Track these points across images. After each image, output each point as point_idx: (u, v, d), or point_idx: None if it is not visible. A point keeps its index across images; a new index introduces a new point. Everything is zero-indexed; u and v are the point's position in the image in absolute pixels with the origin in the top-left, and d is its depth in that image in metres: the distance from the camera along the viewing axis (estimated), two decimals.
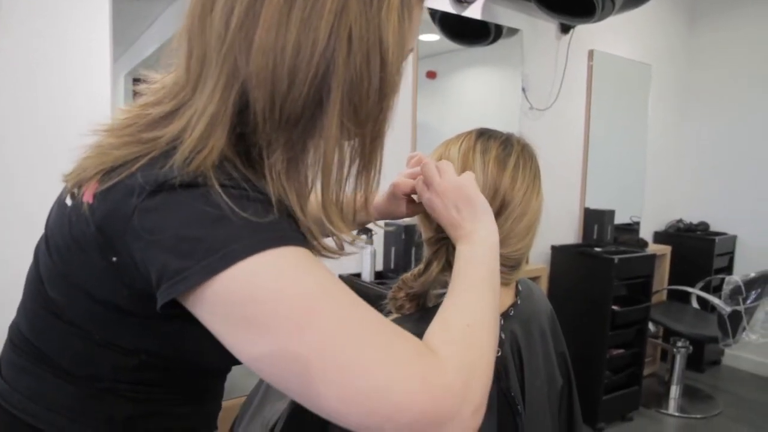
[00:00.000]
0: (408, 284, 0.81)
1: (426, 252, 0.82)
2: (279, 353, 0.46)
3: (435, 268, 0.79)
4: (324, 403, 0.46)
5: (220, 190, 0.49)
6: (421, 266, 0.81)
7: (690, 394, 3.20)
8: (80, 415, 0.60)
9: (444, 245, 0.79)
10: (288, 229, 0.52)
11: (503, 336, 0.79)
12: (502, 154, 0.79)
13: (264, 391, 1.06)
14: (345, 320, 0.48)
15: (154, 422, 0.64)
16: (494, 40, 2.75)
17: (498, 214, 0.77)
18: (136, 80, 1.96)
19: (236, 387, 2.19)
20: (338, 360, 0.46)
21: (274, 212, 0.52)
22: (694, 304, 3.26)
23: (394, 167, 2.81)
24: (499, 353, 0.78)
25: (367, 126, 0.58)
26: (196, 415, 0.70)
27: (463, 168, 0.78)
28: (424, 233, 0.83)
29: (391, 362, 0.46)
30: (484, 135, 0.81)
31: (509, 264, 0.80)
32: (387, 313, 0.83)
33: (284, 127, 0.53)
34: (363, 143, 0.59)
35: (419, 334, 0.73)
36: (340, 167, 0.57)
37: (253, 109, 0.53)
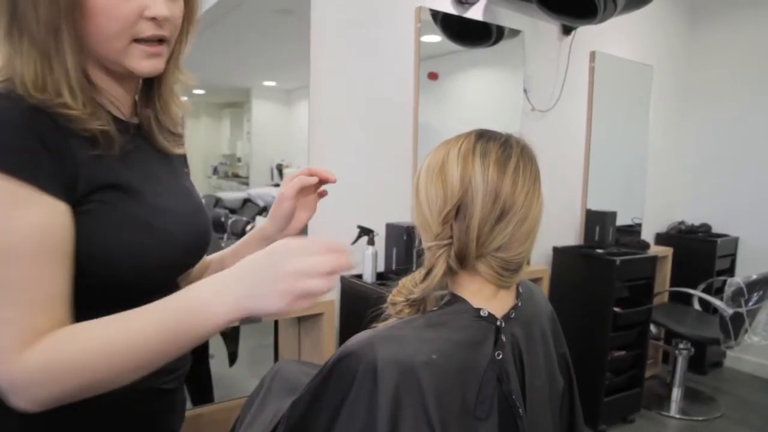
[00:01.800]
0: (408, 289, 0.81)
1: (427, 258, 0.81)
2: None
3: (436, 274, 0.78)
4: None
5: None
6: (422, 272, 0.81)
7: (692, 396, 3.20)
8: None
9: (446, 252, 0.79)
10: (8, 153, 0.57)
11: (504, 339, 0.79)
12: (502, 156, 0.78)
13: (265, 392, 1.06)
14: None
15: None
16: (496, 41, 2.75)
17: (499, 219, 0.77)
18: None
19: (237, 388, 2.19)
20: None
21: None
22: (696, 306, 3.25)
23: (397, 167, 2.81)
24: (500, 356, 0.78)
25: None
26: None
27: (463, 171, 0.78)
28: (425, 241, 0.83)
29: None
30: (483, 137, 0.81)
31: (510, 268, 0.80)
32: (386, 318, 0.83)
33: None
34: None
35: (426, 341, 0.74)
36: None
37: None
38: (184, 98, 0.83)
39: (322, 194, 0.96)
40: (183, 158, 0.88)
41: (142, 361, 0.61)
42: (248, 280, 0.60)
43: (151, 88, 0.78)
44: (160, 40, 0.68)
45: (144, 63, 0.68)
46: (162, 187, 0.75)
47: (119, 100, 0.74)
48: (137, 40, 0.66)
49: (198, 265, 0.91)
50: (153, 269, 0.71)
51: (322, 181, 0.92)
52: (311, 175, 0.90)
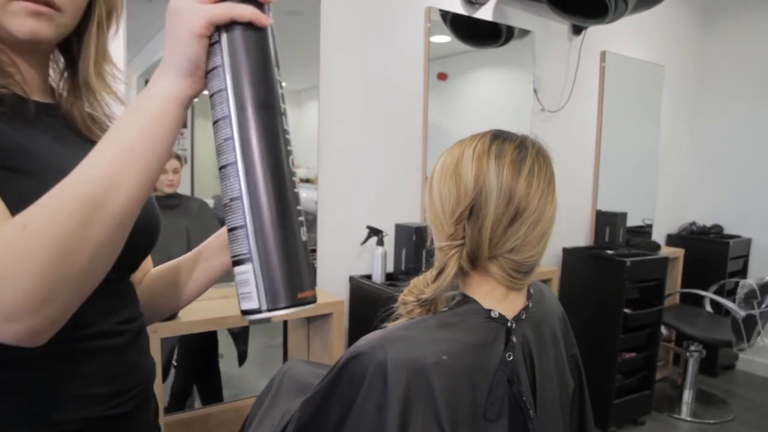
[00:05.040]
0: (419, 289, 0.81)
1: (438, 258, 0.81)
2: None
3: (448, 274, 0.78)
4: None
5: None
6: (434, 272, 0.80)
7: (703, 398, 3.17)
8: None
9: (458, 252, 0.78)
10: None
11: (514, 340, 0.79)
12: (517, 158, 0.78)
13: (274, 392, 1.07)
14: None
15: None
16: (506, 41, 2.74)
17: (513, 220, 0.76)
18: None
19: (247, 388, 2.20)
20: None
21: None
22: (708, 307, 3.23)
23: (406, 168, 2.81)
24: (511, 358, 0.77)
25: None
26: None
27: (478, 171, 0.78)
28: (437, 240, 0.83)
29: None
30: (498, 138, 0.81)
31: (522, 270, 0.80)
32: (396, 318, 0.83)
33: None
34: None
35: (436, 341, 0.74)
36: None
37: None
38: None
39: None
40: None
41: (108, 173, 0.50)
42: (166, 49, 0.55)
43: (74, 74, 0.73)
44: (46, 3, 0.63)
45: (26, 23, 0.62)
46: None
47: (24, 77, 0.68)
48: None
49: (162, 273, 0.86)
50: None
51: None
52: None
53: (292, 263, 0.54)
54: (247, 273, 0.53)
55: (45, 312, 0.48)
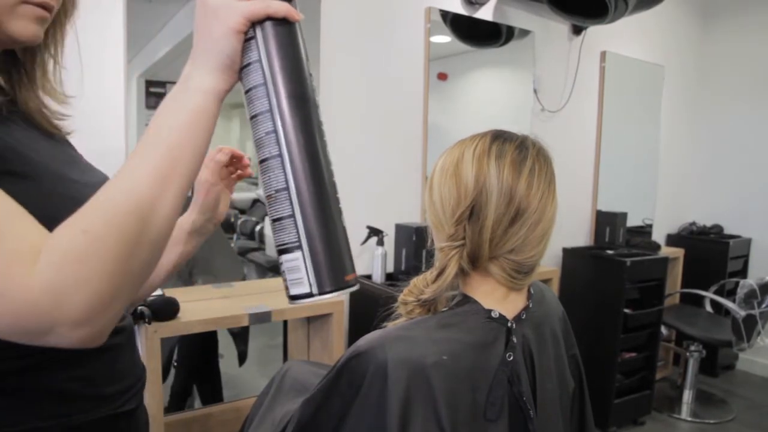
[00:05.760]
0: (419, 289, 0.81)
1: (439, 258, 0.81)
2: None
3: (448, 275, 0.78)
4: None
5: None
6: (434, 272, 0.80)
7: (703, 398, 3.17)
8: None
9: (458, 252, 0.78)
10: None
11: (515, 340, 0.79)
12: (517, 158, 0.78)
13: (274, 392, 1.07)
14: None
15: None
16: (506, 41, 2.74)
17: (513, 221, 0.76)
18: (150, 82, 1.98)
19: (246, 388, 2.20)
20: None
21: None
22: (708, 307, 3.23)
23: (406, 168, 2.81)
24: (511, 358, 0.77)
25: None
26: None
27: (478, 171, 0.78)
28: (437, 241, 0.83)
29: None
30: (499, 138, 0.80)
31: (523, 270, 0.80)
32: (396, 318, 0.83)
33: None
34: None
35: (436, 341, 0.74)
36: None
37: None
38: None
39: (242, 176, 0.91)
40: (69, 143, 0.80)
41: (161, 168, 0.51)
42: (199, 44, 0.55)
43: (17, 68, 0.72)
44: (46, 7, 0.63)
45: (30, 27, 0.62)
46: (60, 160, 0.69)
47: None
48: (26, 1, 0.61)
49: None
50: None
51: (234, 157, 0.88)
52: (220, 151, 0.87)
53: (338, 248, 0.56)
54: (297, 260, 0.55)
55: (113, 311, 0.49)
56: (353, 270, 0.58)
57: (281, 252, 0.56)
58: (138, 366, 0.76)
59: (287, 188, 0.55)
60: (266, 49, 0.55)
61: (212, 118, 0.55)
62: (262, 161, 0.56)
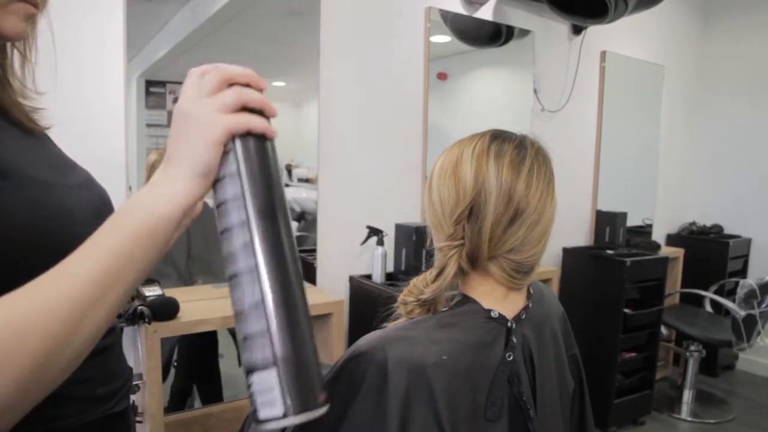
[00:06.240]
0: (419, 289, 0.81)
1: (438, 258, 0.81)
2: None
3: (448, 275, 0.78)
4: None
5: None
6: (434, 272, 0.80)
7: (703, 398, 3.17)
8: None
9: (457, 252, 0.78)
10: None
11: (515, 340, 0.79)
12: (516, 158, 0.78)
13: None
14: None
15: None
16: (506, 41, 2.74)
17: (512, 221, 0.76)
18: (149, 82, 1.98)
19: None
20: None
21: None
22: (708, 307, 3.23)
23: (406, 168, 2.81)
24: (511, 358, 0.77)
25: None
26: None
27: (477, 171, 0.78)
28: (436, 241, 0.83)
29: None
30: (498, 137, 0.80)
31: (522, 270, 0.80)
32: (396, 318, 0.83)
33: None
34: None
35: (436, 342, 0.74)
36: None
37: None
38: None
39: None
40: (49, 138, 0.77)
41: (94, 289, 0.47)
42: (176, 151, 0.53)
43: None
44: (34, 4, 0.63)
45: (20, 24, 0.62)
46: (40, 161, 0.67)
47: None
48: None
49: None
50: (52, 251, 0.54)
51: None
52: None
53: (314, 367, 0.53)
54: (271, 380, 0.51)
55: (5, 419, 0.44)
56: (323, 389, 0.54)
57: (251, 371, 0.51)
58: (126, 366, 0.75)
59: (263, 303, 0.51)
60: (246, 162, 0.54)
61: (174, 226, 0.53)
62: (233, 276, 0.53)
